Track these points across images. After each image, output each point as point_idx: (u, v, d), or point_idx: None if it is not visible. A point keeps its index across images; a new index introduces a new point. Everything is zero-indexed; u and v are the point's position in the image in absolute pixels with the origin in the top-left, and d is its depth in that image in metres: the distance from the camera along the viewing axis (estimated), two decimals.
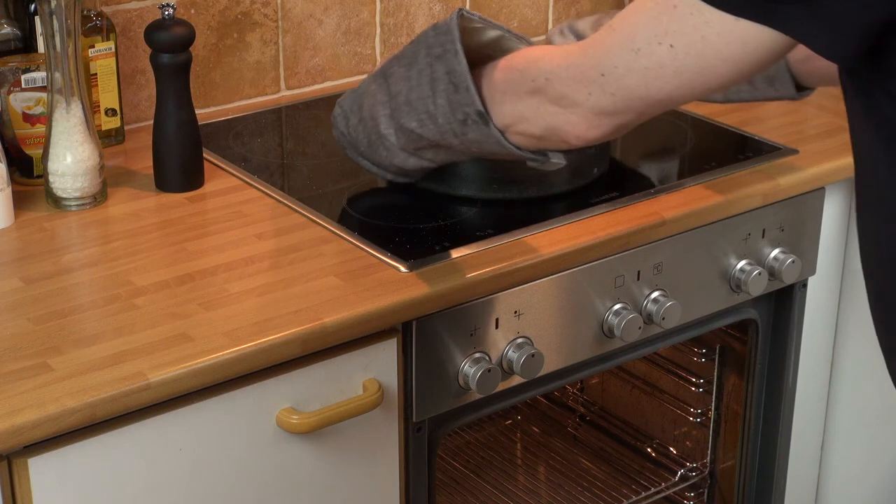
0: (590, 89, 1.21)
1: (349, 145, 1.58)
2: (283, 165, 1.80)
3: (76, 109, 1.56)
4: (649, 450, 2.08)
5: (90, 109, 1.58)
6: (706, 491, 2.00)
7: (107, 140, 1.76)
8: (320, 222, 1.56)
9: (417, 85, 1.41)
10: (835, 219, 1.85)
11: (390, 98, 1.46)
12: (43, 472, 1.22)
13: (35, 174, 1.65)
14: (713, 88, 1.14)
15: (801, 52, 1.15)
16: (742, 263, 1.71)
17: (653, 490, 2.02)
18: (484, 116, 1.35)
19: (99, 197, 1.60)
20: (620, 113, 1.22)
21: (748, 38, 1.07)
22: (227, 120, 1.90)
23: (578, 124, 1.26)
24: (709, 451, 1.98)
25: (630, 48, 1.15)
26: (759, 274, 1.71)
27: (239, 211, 1.60)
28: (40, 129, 1.63)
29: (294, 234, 1.53)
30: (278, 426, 1.36)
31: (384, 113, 1.48)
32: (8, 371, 1.25)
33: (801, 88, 1.61)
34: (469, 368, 1.48)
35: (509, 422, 2.20)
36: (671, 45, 1.11)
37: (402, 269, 1.45)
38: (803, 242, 1.78)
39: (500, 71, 1.35)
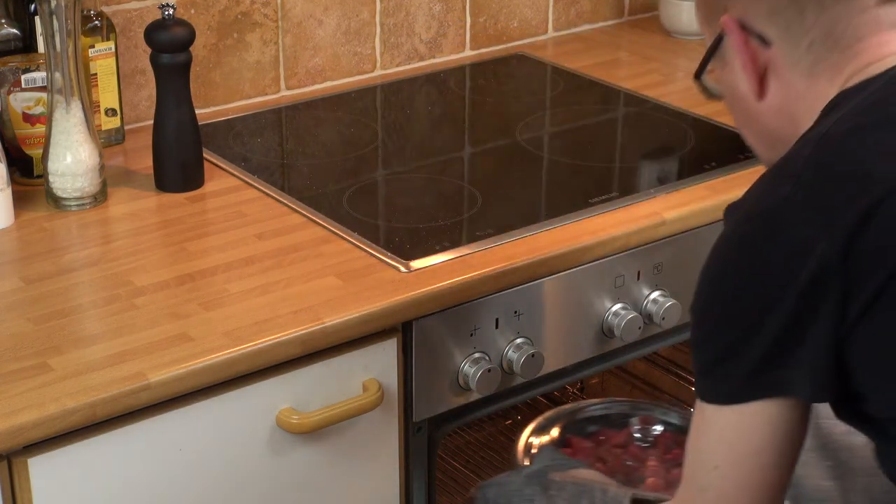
0: None
1: None
2: (283, 165, 1.80)
3: (76, 109, 1.56)
4: None
5: (90, 109, 1.58)
6: None
7: (107, 140, 1.76)
8: (320, 222, 1.56)
9: None
10: None
11: None
12: (43, 472, 1.22)
13: (35, 174, 1.65)
14: (776, 481, 1.07)
15: None
16: None
17: None
18: None
19: (99, 197, 1.60)
20: None
21: (764, 417, 1.04)
22: (227, 120, 1.90)
23: None
24: None
25: (697, 487, 1.10)
26: None
27: (239, 211, 1.60)
28: (40, 129, 1.63)
29: (294, 234, 1.53)
30: (278, 426, 1.36)
31: None
32: (8, 371, 1.25)
33: None
34: (469, 368, 1.48)
35: (509, 422, 2.19)
36: (716, 467, 1.07)
37: (402, 269, 1.45)
38: None
39: None
